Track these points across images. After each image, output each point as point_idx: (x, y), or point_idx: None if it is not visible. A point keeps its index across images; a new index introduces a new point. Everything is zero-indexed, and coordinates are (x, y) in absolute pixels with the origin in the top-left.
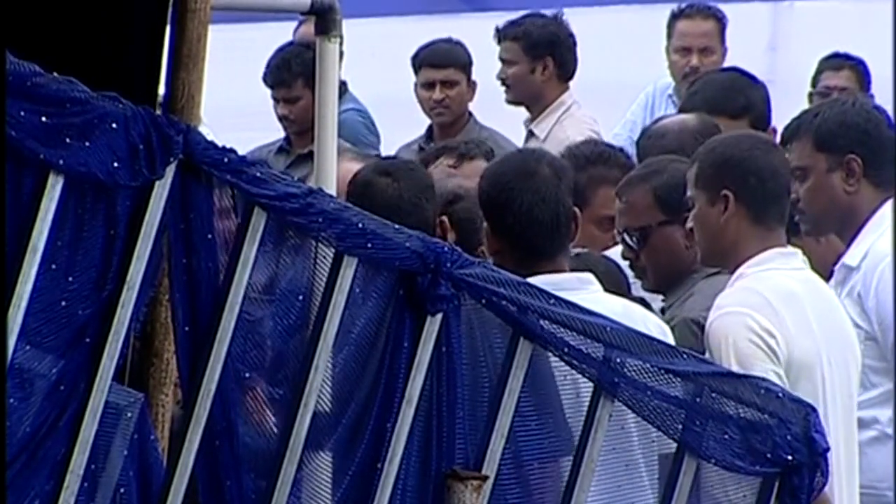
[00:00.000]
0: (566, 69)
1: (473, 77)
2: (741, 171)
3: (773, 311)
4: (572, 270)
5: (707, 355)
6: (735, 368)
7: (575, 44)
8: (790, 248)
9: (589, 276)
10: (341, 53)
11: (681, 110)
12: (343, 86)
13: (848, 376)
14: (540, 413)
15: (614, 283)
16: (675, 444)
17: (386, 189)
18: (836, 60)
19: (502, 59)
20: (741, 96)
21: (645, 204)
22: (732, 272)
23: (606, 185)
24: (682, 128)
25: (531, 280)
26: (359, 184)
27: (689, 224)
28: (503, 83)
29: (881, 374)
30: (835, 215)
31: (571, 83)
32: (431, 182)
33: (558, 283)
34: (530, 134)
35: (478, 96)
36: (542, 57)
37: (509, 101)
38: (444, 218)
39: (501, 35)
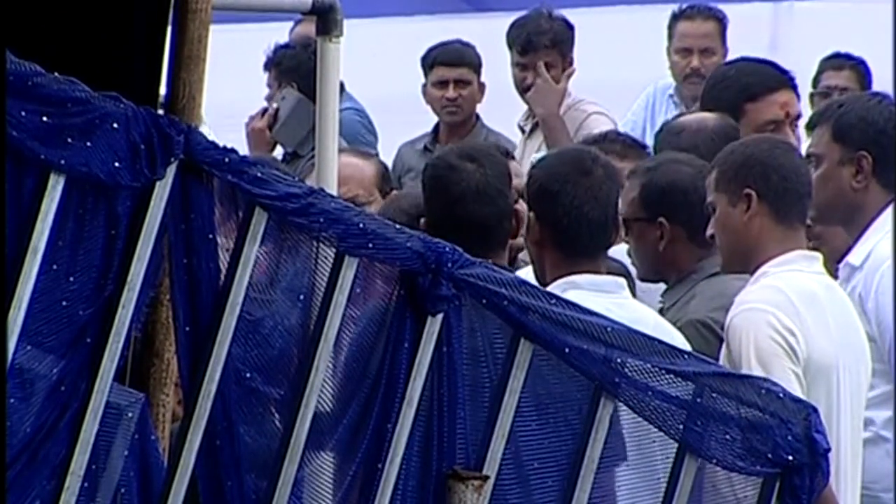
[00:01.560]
0: (571, 63)
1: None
2: (763, 169)
3: (796, 311)
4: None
5: (724, 350)
6: (755, 365)
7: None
8: (812, 252)
9: (623, 281)
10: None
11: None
12: (340, 85)
13: (858, 381)
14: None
15: None
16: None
17: (473, 174)
18: (837, 60)
19: (530, 66)
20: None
21: (631, 196)
22: (753, 271)
23: None
24: (699, 127)
25: (573, 278)
26: (441, 167)
27: (710, 231)
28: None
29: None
30: (840, 208)
31: (571, 82)
32: (510, 170)
33: (600, 284)
34: (537, 125)
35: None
36: (568, 55)
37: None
38: (519, 207)
39: (532, 48)
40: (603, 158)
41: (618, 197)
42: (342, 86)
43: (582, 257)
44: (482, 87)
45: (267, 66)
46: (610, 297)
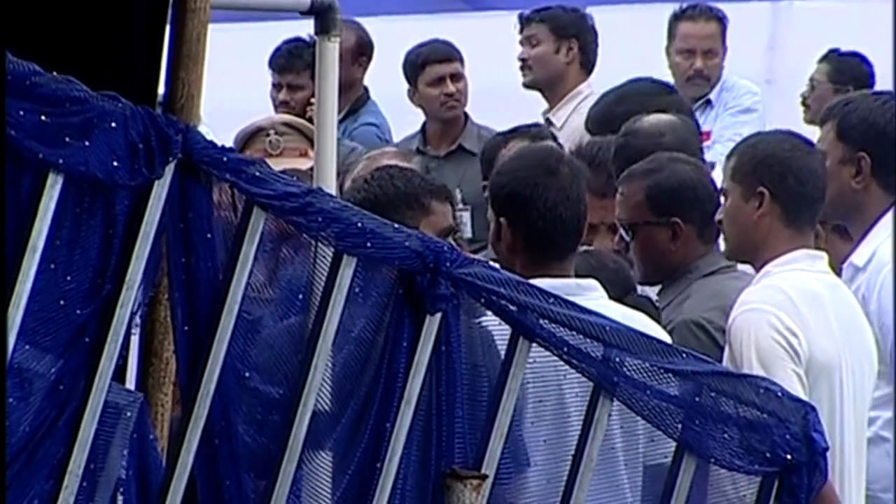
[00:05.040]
0: (588, 58)
1: (469, 76)
2: (781, 170)
3: (797, 311)
4: (580, 269)
5: (727, 350)
6: (756, 366)
7: (597, 38)
8: (817, 251)
9: (592, 282)
10: (371, 55)
11: None
12: (365, 93)
13: (863, 382)
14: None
15: (622, 282)
16: (662, 456)
17: None
18: (832, 55)
19: (527, 40)
20: None
21: (636, 200)
22: (757, 269)
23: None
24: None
25: (536, 282)
26: None
27: (719, 216)
28: (524, 65)
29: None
30: (840, 207)
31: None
32: None
33: (560, 289)
34: (548, 122)
35: (473, 96)
36: (569, 39)
37: (526, 84)
38: None
39: (527, 18)
40: (567, 156)
41: (585, 193)
42: (367, 92)
43: (553, 259)
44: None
45: (272, 58)
46: (572, 300)
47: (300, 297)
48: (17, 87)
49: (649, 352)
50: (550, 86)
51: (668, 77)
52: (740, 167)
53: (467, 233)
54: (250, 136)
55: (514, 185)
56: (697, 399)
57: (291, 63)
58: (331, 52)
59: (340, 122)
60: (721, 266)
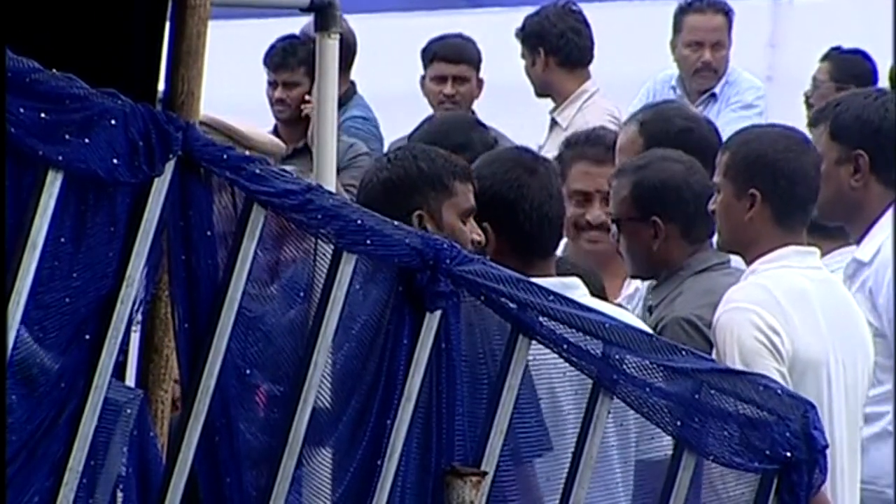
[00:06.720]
0: (566, 58)
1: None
2: (772, 173)
3: (781, 309)
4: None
5: (714, 350)
6: (738, 363)
7: (577, 32)
8: (808, 247)
9: (575, 280)
10: (355, 52)
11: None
12: (352, 87)
13: (856, 376)
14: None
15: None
16: (657, 451)
17: None
18: (833, 53)
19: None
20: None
21: (622, 196)
22: (748, 265)
23: (582, 161)
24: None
25: None
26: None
27: (712, 207)
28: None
29: (888, 371)
30: (840, 207)
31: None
32: None
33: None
34: (553, 123)
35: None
36: (535, 49)
37: (536, 94)
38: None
39: (517, 34)
40: (541, 155)
41: (562, 190)
42: (353, 86)
43: (537, 258)
44: (480, 82)
45: (267, 56)
46: None
47: (300, 294)
48: (17, 85)
49: (649, 349)
50: (548, 93)
51: (674, 70)
52: (732, 165)
53: None
54: None
55: (497, 189)
56: (697, 396)
57: (286, 60)
58: (331, 49)
59: None
60: (713, 263)
